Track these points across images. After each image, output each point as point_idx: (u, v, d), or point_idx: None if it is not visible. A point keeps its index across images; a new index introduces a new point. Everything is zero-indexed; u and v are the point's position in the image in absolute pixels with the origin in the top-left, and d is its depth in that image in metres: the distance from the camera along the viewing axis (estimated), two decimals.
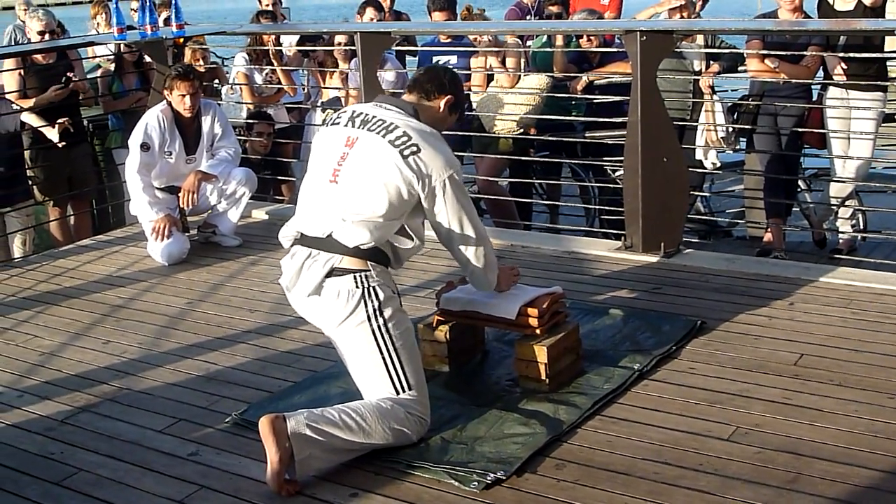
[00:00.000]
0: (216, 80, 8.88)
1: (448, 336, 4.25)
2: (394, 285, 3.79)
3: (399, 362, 3.63)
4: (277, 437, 3.36)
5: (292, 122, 8.78)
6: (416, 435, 3.62)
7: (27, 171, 7.59)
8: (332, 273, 3.66)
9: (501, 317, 4.09)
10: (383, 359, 3.63)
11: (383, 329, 3.63)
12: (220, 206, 6.44)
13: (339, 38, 8.16)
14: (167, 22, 7.79)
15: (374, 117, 3.73)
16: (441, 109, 3.91)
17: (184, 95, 6.15)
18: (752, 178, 7.52)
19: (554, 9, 8.52)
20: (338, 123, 3.82)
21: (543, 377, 4.00)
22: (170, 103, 6.23)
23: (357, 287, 3.64)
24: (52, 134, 7.40)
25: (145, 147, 6.15)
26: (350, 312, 3.64)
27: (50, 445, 3.86)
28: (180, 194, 6.24)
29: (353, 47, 7.60)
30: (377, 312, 3.63)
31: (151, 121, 6.18)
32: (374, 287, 3.65)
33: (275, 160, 8.18)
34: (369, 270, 3.66)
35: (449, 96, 3.92)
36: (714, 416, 3.75)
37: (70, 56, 7.81)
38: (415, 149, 3.62)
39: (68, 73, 7.53)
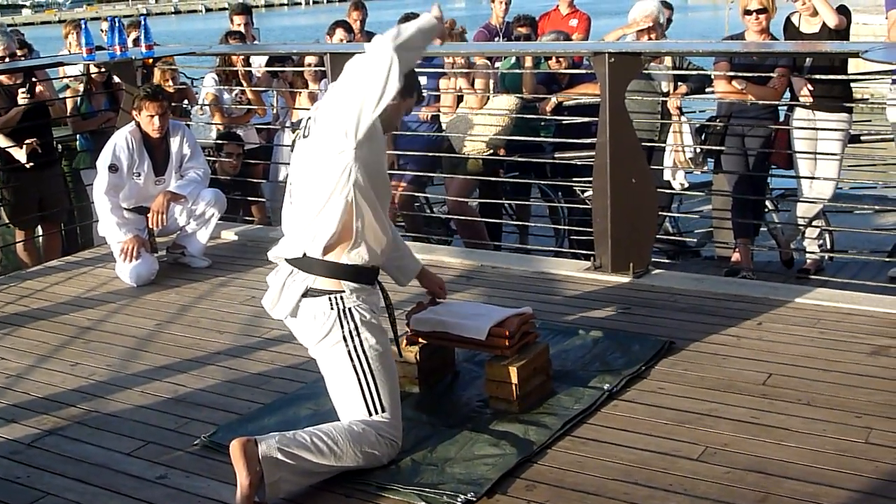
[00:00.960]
0: (185, 101, 8.87)
1: (418, 357, 4.24)
2: (375, 303, 3.77)
3: (374, 384, 3.62)
4: (248, 461, 3.34)
5: (262, 143, 8.78)
6: (386, 458, 3.61)
7: None
8: (307, 294, 3.65)
9: (472, 337, 4.09)
10: (358, 380, 3.62)
11: (359, 350, 3.62)
12: (189, 227, 6.42)
13: (308, 59, 8.17)
14: (136, 42, 7.77)
15: (307, 119, 3.73)
16: None
17: (152, 116, 6.14)
18: (720, 199, 7.56)
19: (523, 30, 8.58)
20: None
21: (514, 398, 4.01)
22: (138, 124, 6.22)
23: (332, 309, 3.63)
24: (20, 154, 7.34)
25: (114, 168, 6.13)
26: (326, 333, 3.64)
27: (16, 469, 3.82)
28: (149, 215, 6.22)
29: (323, 68, 7.62)
30: (353, 333, 3.62)
31: (120, 142, 6.16)
32: (349, 309, 3.64)
33: (244, 181, 8.17)
34: (344, 291, 3.65)
35: None
36: (683, 436, 3.77)
37: (39, 76, 7.77)
38: (312, 123, 3.63)
39: (32, 79, 7.47)
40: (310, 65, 8.14)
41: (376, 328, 3.70)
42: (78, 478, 3.73)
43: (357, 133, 3.47)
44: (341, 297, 3.65)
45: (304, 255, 3.67)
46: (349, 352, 3.62)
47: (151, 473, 3.73)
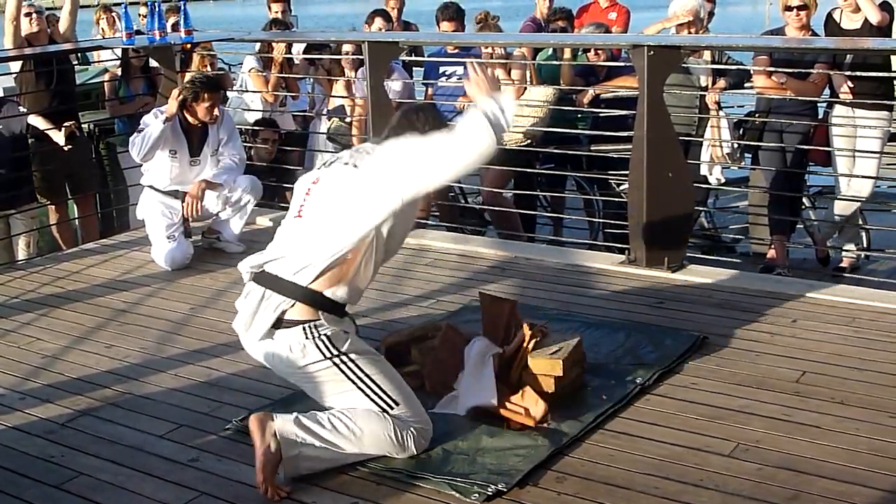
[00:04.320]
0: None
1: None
2: (349, 324, 3.74)
3: (377, 386, 3.59)
4: (263, 433, 3.42)
5: (298, 130, 8.78)
6: (417, 446, 3.60)
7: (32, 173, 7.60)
8: (280, 323, 3.61)
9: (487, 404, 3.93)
10: (360, 388, 3.58)
11: (348, 362, 3.58)
12: (225, 213, 6.44)
13: (346, 48, 8.17)
14: (175, 27, 7.81)
15: (337, 158, 3.72)
16: None
17: (212, 105, 6.14)
18: (756, 195, 7.52)
19: (559, 23, 8.56)
20: (308, 174, 3.82)
21: (552, 390, 3.99)
22: (186, 110, 6.18)
23: (307, 338, 3.58)
24: (59, 137, 7.41)
25: (139, 132, 6.13)
26: (308, 361, 3.60)
27: (50, 448, 3.86)
28: (184, 203, 6.24)
29: (360, 56, 7.63)
30: (334, 353, 3.58)
31: (151, 115, 6.17)
32: (325, 335, 3.59)
33: (280, 167, 8.18)
34: (319, 319, 3.60)
35: None
36: (715, 432, 3.75)
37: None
38: (365, 154, 3.62)
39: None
40: (346, 53, 8.13)
41: (356, 343, 3.66)
42: (111, 459, 3.76)
43: (406, 195, 3.51)
44: (315, 326, 3.59)
45: (288, 277, 3.61)
46: (338, 366, 3.57)
47: (184, 456, 3.75)
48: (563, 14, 8.72)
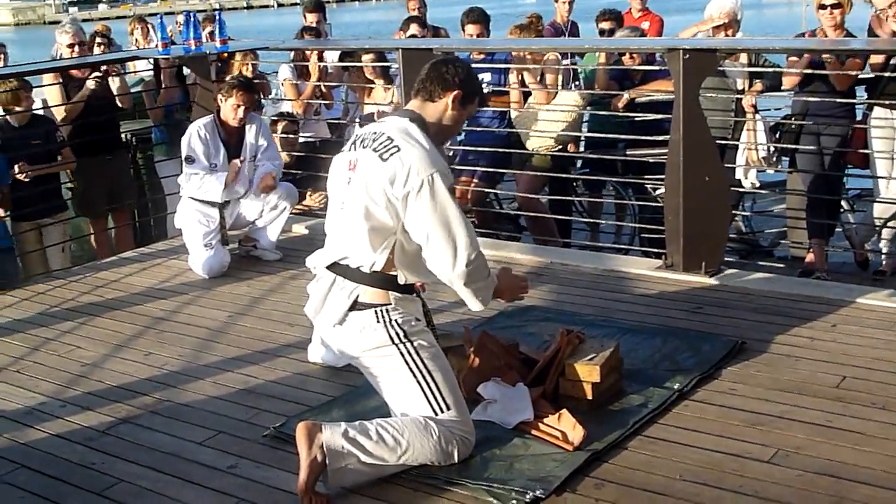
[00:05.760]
0: (260, 94, 8.92)
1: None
2: (421, 312, 3.78)
3: (434, 383, 3.61)
4: (311, 443, 3.40)
5: (333, 138, 8.81)
6: (459, 455, 3.59)
7: (63, 183, 7.64)
8: (354, 306, 3.66)
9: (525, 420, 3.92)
10: (417, 381, 3.61)
11: (413, 353, 3.61)
12: (261, 221, 6.47)
13: (365, 57, 8.16)
14: (211, 36, 7.85)
15: (371, 133, 3.69)
16: (449, 106, 3.75)
17: (239, 106, 6.19)
18: (794, 198, 7.46)
19: (606, 24, 8.52)
20: (344, 150, 3.80)
21: (590, 396, 3.98)
22: (218, 111, 6.27)
23: (378, 322, 3.63)
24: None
25: (189, 160, 6.21)
26: (376, 345, 3.64)
27: (91, 456, 3.89)
28: (261, 186, 6.35)
29: (384, 64, 7.68)
30: (403, 339, 3.62)
31: (194, 134, 6.23)
32: (395, 321, 3.64)
33: (314, 175, 8.20)
34: (390, 304, 3.65)
35: (456, 91, 3.73)
36: (754, 438, 3.72)
37: (111, 71, 7.85)
38: (395, 150, 3.56)
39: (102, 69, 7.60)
40: (372, 60, 8.13)
41: (424, 333, 3.71)
42: (150, 466, 3.78)
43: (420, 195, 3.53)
44: (387, 310, 3.65)
45: (349, 262, 3.67)
46: (402, 355, 3.61)
47: (222, 463, 3.77)
48: (611, 15, 8.66)
